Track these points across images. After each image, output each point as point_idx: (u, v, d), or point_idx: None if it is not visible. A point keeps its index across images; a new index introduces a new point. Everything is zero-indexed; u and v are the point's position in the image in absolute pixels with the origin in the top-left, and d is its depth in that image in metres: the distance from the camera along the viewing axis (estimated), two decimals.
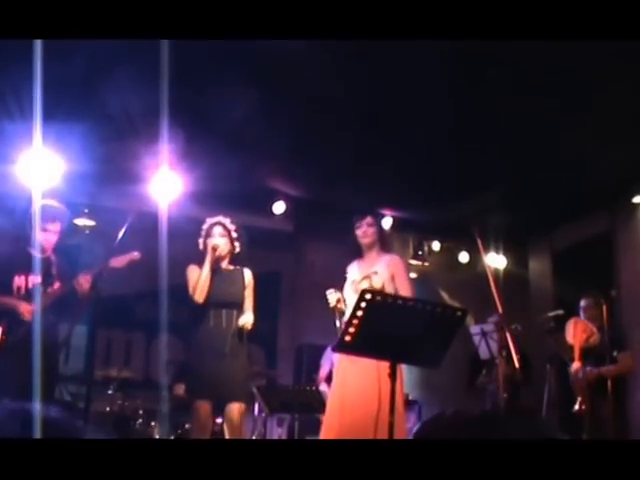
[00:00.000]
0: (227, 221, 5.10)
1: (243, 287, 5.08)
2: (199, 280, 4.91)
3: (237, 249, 5.11)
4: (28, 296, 4.83)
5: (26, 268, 4.86)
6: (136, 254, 4.91)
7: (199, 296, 4.89)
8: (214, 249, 4.99)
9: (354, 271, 4.96)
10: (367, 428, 4.49)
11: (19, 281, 4.85)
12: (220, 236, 5.05)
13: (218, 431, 5.76)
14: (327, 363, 6.83)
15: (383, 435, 4.53)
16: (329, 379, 5.81)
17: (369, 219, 5.02)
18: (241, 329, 4.89)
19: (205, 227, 5.10)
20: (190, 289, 4.94)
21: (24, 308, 4.77)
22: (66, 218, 5.11)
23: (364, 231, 4.99)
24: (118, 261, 4.83)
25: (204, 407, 4.78)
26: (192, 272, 5.00)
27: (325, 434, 4.75)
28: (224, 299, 4.96)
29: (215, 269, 5.01)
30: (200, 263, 5.00)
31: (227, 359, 4.80)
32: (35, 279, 4.85)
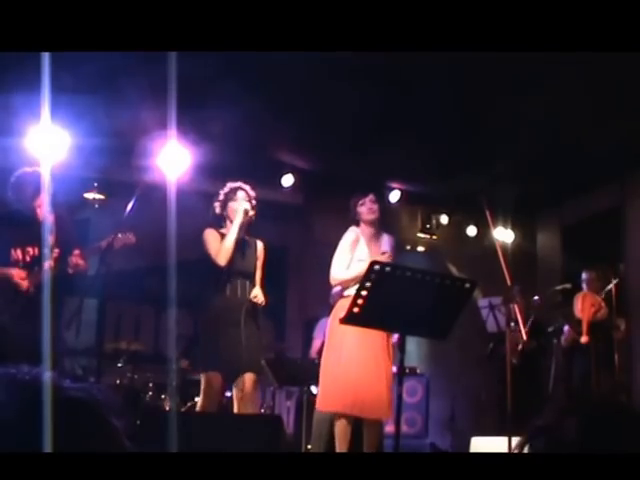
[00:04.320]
0: (248, 187, 5.00)
1: (256, 258, 5.02)
2: (225, 243, 4.78)
3: (254, 217, 5.00)
4: (28, 269, 4.71)
5: (25, 240, 4.76)
6: (131, 237, 4.80)
7: (223, 259, 4.76)
8: (246, 212, 4.86)
9: (364, 250, 4.90)
10: (367, 400, 4.54)
11: (15, 254, 4.75)
12: (245, 200, 4.94)
13: (227, 404, 5.79)
14: (319, 336, 6.82)
15: (384, 407, 4.59)
16: (321, 352, 5.79)
17: (372, 196, 4.98)
18: (254, 302, 4.81)
19: (225, 191, 4.98)
20: (212, 252, 4.79)
21: (17, 275, 4.65)
22: (40, 180, 4.79)
23: (370, 208, 4.94)
24: (116, 242, 4.72)
25: (215, 379, 4.74)
26: (212, 235, 4.86)
27: (322, 404, 4.79)
28: (240, 269, 4.87)
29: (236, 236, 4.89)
30: (217, 228, 4.92)
31: (242, 328, 4.70)
32: (33, 251, 4.74)
